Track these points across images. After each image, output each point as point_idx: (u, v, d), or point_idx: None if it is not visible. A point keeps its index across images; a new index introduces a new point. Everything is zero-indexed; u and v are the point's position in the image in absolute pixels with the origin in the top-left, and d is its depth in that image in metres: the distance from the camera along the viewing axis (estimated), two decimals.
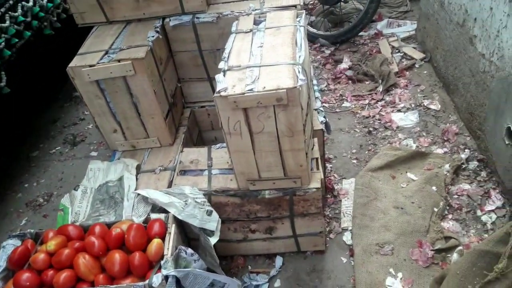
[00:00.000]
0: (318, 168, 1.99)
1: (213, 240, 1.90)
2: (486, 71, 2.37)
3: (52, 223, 2.70)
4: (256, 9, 2.21)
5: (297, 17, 2.09)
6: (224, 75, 1.78)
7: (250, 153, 1.83)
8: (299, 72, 1.70)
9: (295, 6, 2.21)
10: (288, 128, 1.73)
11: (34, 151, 3.37)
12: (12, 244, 1.87)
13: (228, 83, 1.71)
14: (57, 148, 3.36)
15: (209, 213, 1.90)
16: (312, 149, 2.06)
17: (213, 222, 1.90)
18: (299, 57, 1.79)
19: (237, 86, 1.69)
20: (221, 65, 1.84)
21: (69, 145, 3.37)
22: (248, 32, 2.03)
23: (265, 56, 1.83)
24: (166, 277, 1.65)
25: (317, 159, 2.04)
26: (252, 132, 1.76)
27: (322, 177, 1.96)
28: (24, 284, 1.67)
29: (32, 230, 1.94)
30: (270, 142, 1.78)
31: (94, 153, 3.24)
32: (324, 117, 2.25)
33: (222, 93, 1.67)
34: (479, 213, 2.24)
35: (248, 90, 1.65)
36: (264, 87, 1.65)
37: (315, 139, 2.13)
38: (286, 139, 1.76)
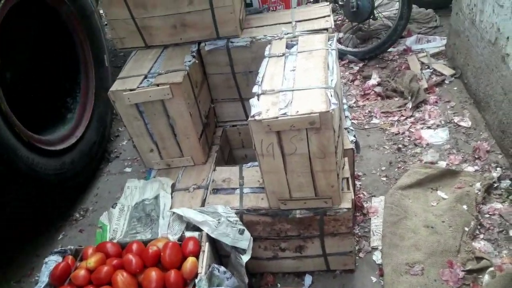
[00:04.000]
0: (348, 188, 2.03)
1: (245, 258, 1.95)
2: None
3: (88, 238, 2.82)
4: (288, 33, 2.28)
5: (328, 40, 2.15)
6: (258, 99, 1.84)
7: (282, 174, 1.88)
8: (331, 95, 1.74)
9: (326, 29, 2.27)
10: (320, 150, 1.77)
11: None
12: (54, 260, 1.97)
13: (262, 107, 1.77)
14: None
15: (241, 232, 1.96)
16: (343, 168, 2.09)
17: (245, 241, 1.96)
18: (331, 80, 1.84)
19: (271, 110, 1.75)
20: (255, 89, 1.90)
21: (104, 161, 3.50)
22: (280, 56, 2.10)
23: (297, 80, 1.89)
24: None
25: (347, 178, 2.07)
26: (284, 154, 1.81)
27: (353, 197, 1.99)
28: None
29: (72, 247, 2.04)
30: (302, 164, 1.83)
31: (128, 169, 3.36)
32: (354, 136, 2.28)
33: (257, 117, 1.73)
34: (511, 233, 2.21)
35: (282, 114, 1.71)
36: (297, 111, 1.70)
37: (346, 159, 2.16)
38: (318, 160, 1.81)
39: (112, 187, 3.21)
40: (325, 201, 1.94)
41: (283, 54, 2.11)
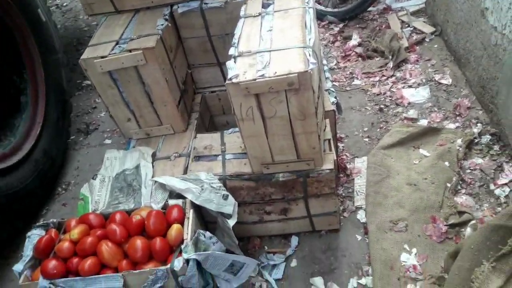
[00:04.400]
0: (330, 149, 2.01)
1: (231, 222, 1.95)
2: (498, 44, 2.34)
3: (72, 211, 2.78)
4: None
5: None
6: (234, 62, 1.79)
7: (263, 138, 1.86)
8: (309, 55, 1.70)
9: None
10: (300, 112, 1.75)
11: None
12: (37, 234, 1.93)
13: (239, 70, 1.73)
14: (71, 138, 3.42)
15: (225, 197, 1.95)
16: (324, 130, 2.08)
17: (229, 206, 1.95)
18: (309, 39, 1.79)
19: (248, 72, 1.71)
20: (231, 51, 1.85)
21: (83, 134, 3.42)
22: (256, 16, 2.03)
23: (275, 40, 1.84)
24: (187, 261, 1.70)
25: (329, 140, 2.05)
26: (264, 117, 1.78)
27: (335, 158, 1.99)
28: (51, 272, 1.74)
29: (55, 220, 2.01)
30: (282, 126, 1.80)
31: (108, 141, 3.29)
32: (335, 97, 2.25)
33: (234, 80, 1.68)
34: (492, 187, 2.25)
35: (259, 76, 1.67)
36: (275, 72, 1.66)
37: (327, 120, 2.14)
38: (299, 122, 1.78)
39: (92, 159, 3.15)
40: (307, 163, 1.93)
41: (259, 14, 2.04)
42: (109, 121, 3.47)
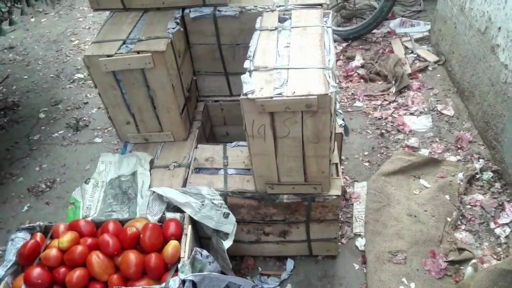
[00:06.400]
0: (338, 174, 1.96)
1: (227, 244, 1.86)
2: (508, 82, 2.33)
3: (55, 211, 2.65)
4: (280, 5, 2.14)
5: (323, 17, 2.03)
6: (250, 76, 1.71)
7: (272, 157, 1.78)
8: (329, 77, 1.65)
9: (321, 4, 2.14)
10: (314, 135, 1.68)
11: (35, 134, 3.28)
12: (21, 237, 1.81)
13: (256, 85, 1.65)
14: (59, 132, 3.28)
15: (226, 216, 1.86)
16: (332, 153, 2.02)
17: (229, 225, 1.87)
18: (329, 61, 1.74)
19: (265, 88, 1.63)
20: (247, 64, 1.78)
21: (72, 129, 3.29)
22: (273, 30, 1.97)
23: (292, 58, 1.77)
24: (183, 281, 1.61)
25: (336, 164, 2.00)
26: (276, 137, 1.71)
27: (342, 184, 1.93)
28: (35, 281, 1.62)
29: (41, 223, 1.88)
30: (294, 148, 1.74)
31: (98, 140, 3.17)
32: (343, 119, 2.20)
33: (250, 96, 1.61)
34: (492, 225, 2.23)
35: (277, 94, 1.60)
36: (294, 92, 1.60)
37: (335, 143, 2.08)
38: (311, 145, 1.72)
39: (80, 158, 3.02)
40: (315, 187, 1.86)
41: (276, 28, 1.98)
42: (101, 119, 3.35)
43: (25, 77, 4.02)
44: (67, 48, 4.42)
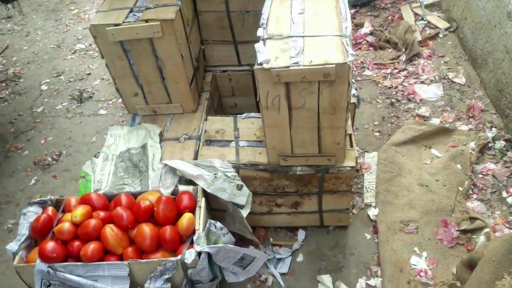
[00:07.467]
0: (351, 145, 1.93)
1: (244, 212, 1.86)
2: None
3: (63, 184, 2.64)
4: None
5: None
6: (264, 44, 1.66)
7: (286, 129, 1.75)
8: (347, 45, 1.59)
9: None
10: (331, 105, 1.64)
11: (39, 106, 3.23)
12: (33, 211, 1.79)
13: (270, 54, 1.60)
14: (63, 104, 3.23)
15: (239, 188, 1.84)
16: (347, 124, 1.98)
17: (243, 197, 1.85)
18: (346, 28, 1.67)
19: (280, 58, 1.58)
20: (260, 32, 1.71)
21: (76, 101, 3.24)
22: None
23: (308, 25, 1.71)
24: (198, 253, 1.61)
25: (350, 135, 1.96)
26: (291, 108, 1.67)
27: (357, 155, 1.90)
28: (50, 255, 1.61)
29: (52, 197, 1.87)
30: (309, 119, 1.70)
31: (103, 111, 3.12)
32: (356, 89, 2.15)
33: (265, 66, 1.56)
34: (504, 194, 2.22)
35: (293, 63, 1.55)
36: (311, 61, 1.54)
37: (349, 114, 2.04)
38: (327, 116, 1.68)
39: (86, 130, 2.98)
40: (329, 159, 1.84)
41: None
42: (105, 90, 3.29)
43: (25, 47, 3.93)
44: (67, 17, 4.30)
